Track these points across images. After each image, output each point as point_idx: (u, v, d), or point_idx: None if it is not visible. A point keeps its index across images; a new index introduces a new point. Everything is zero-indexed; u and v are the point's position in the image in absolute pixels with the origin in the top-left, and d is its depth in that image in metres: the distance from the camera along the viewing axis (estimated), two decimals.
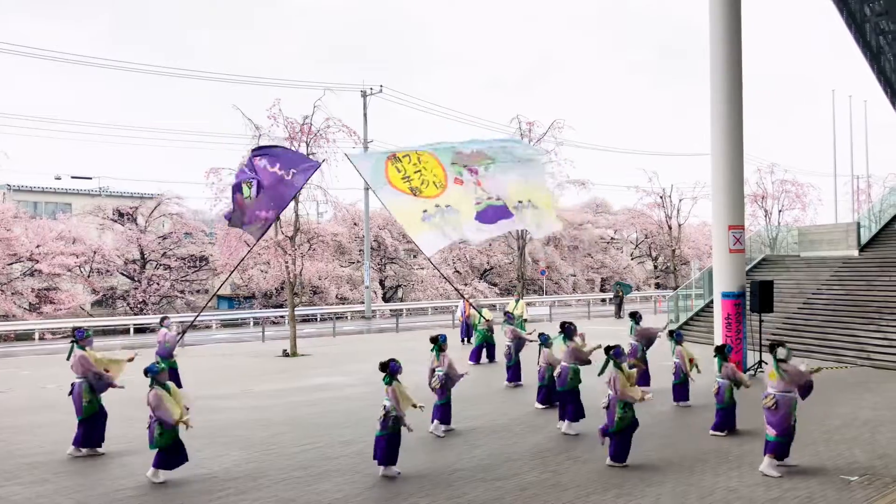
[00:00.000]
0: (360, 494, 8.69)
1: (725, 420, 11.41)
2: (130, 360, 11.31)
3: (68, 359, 10.91)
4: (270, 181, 11.34)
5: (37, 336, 31.73)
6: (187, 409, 9.30)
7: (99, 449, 10.65)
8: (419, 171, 11.41)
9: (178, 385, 14.56)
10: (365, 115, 40.30)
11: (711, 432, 11.37)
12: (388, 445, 9.35)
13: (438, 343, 11.89)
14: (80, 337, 10.97)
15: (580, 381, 11.98)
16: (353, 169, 12.04)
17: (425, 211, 11.40)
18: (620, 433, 9.63)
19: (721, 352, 11.58)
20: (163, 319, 16.32)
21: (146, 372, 9.20)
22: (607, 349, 9.94)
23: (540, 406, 13.65)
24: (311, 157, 23.59)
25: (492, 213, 11.33)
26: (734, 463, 9.76)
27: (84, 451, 10.57)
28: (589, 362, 12.15)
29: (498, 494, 8.60)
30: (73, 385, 10.81)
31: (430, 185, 11.41)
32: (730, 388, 11.35)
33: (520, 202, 11.28)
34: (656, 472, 9.41)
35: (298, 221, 24.57)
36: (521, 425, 12.27)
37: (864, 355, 18.59)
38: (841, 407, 13.18)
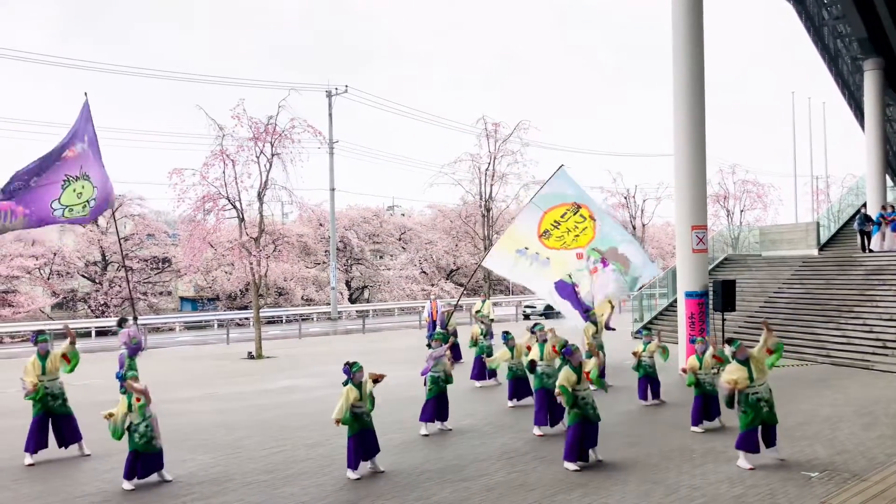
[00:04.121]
0: (326, 497, 8.64)
1: (695, 413, 11.67)
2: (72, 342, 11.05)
3: None
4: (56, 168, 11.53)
5: None
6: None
7: (30, 455, 10.46)
8: (568, 229, 11.81)
9: None
10: (330, 115, 40.17)
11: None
12: (350, 447, 9.33)
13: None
14: (32, 341, 11.03)
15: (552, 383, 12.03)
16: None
17: (526, 248, 11.81)
18: (571, 427, 9.67)
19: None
20: (121, 321, 15.95)
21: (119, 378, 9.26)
22: (561, 347, 10.19)
23: (510, 404, 13.78)
24: (275, 157, 23.47)
25: (570, 291, 11.70)
26: (698, 461, 9.88)
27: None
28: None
29: (465, 495, 8.60)
30: None
31: (560, 241, 11.82)
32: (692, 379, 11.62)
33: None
34: (621, 470, 9.49)
35: (263, 222, 24.38)
36: (488, 425, 12.30)
37: (824, 353, 18.92)
38: (802, 404, 13.40)
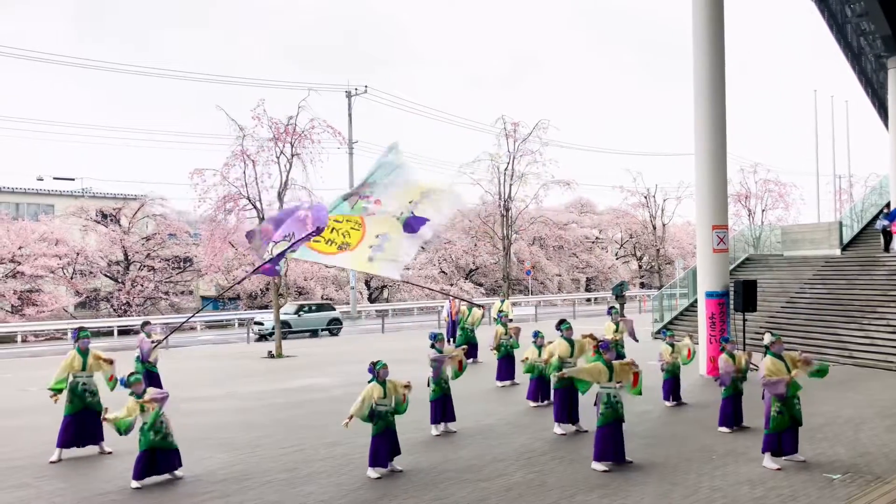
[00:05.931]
0: (345, 496, 8.66)
1: (723, 414, 11.57)
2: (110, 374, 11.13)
3: None
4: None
5: (19, 338, 31.50)
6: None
7: (76, 449, 10.60)
8: (334, 229, 11.14)
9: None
10: (350, 115, 40.31)
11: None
12: (374, 446, 9.37)
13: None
14: (73, 337, 11.14)
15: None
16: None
17: (371, 247, 11.16)
18: (603, 427, 9.62)
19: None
20: (144, 324, 15.98)
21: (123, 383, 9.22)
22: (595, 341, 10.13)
23: (532, 404, 13.71)
24: (295, 157, 23.60)
25: (412, 223, 11.12)
26: (718, 462, 9.80)
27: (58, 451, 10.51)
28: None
29: (483, 495, 8.60)
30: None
31: (351, 234, 11.09)
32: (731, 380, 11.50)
33: (410, 202, 11.05)
34: (640, 471, 9.44)
35: None
36: (507, 425, 12.28)
37: (847, 354, 18.73)
38: (824, 405, 13.27)
